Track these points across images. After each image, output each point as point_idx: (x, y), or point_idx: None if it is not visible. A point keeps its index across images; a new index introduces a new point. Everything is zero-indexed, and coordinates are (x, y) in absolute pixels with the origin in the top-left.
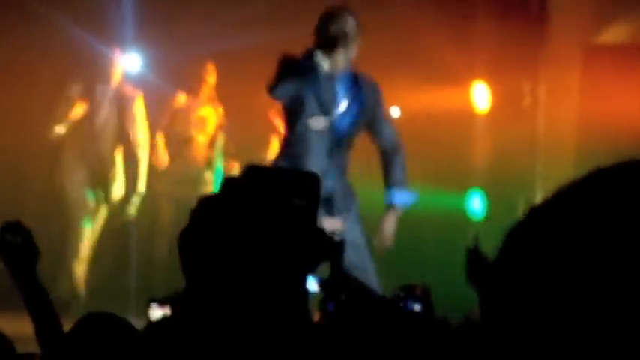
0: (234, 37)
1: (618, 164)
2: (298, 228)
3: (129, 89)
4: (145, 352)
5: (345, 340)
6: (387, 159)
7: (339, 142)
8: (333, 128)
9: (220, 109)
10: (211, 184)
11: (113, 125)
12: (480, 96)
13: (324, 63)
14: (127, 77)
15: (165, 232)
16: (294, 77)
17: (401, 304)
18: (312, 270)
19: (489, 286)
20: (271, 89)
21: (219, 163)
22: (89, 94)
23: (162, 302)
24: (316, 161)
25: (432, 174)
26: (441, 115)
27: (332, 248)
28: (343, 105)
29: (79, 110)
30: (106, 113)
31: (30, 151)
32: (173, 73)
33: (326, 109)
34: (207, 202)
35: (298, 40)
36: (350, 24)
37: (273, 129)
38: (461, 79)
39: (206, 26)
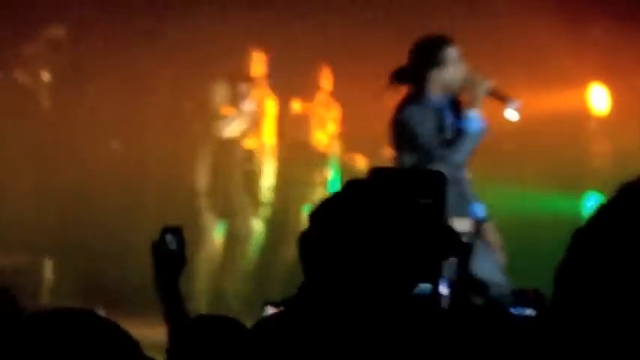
0: (352, 40)
1: None
2: (425, 226)
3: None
4: (256, 346)
5: (459, 342)
6: None
7: None
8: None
9: (337, 113)
10: (330, 187)
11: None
12: (598, 98)
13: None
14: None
15: (290, 236)
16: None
17: (512, 309)
18: (439, 268)
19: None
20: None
21: (337, 167)
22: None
23: (277, 305)
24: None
25: (550, 177)
26: (558, 117)
27: (459, 247)
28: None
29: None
30: (243, 118)
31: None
32: (290, 77)
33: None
34: (329, 203)
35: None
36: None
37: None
38: (578, 81)
39: (323, 29)
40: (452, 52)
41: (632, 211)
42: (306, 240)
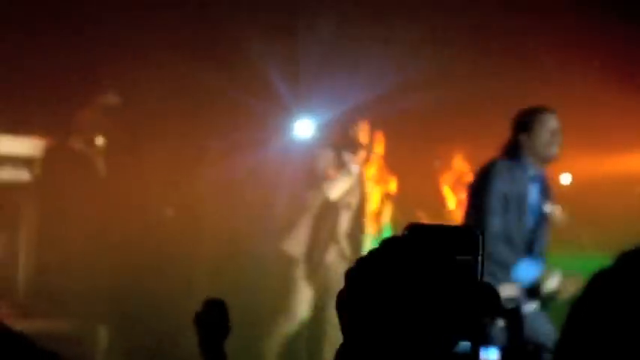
0: (400, 101)
1: None
2: (462, 282)
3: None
4: None
5: None
6: None
7: None
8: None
9: (390, 178)
10: None
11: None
12: None
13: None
14: (297, 143)
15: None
16: None
17: None
18: (478, 326)
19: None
20: None
21: (389, 232)
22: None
23: None
24: None
25: (606, 242)
26: (613, 181)
27: (498, 306)
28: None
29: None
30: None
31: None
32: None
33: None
34: (364, 261)
35: (463, 100)
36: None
37: (442, 194)
38: (632, 144)
39: (372, 91)
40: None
41: (631, 278)
42: (341, 300)
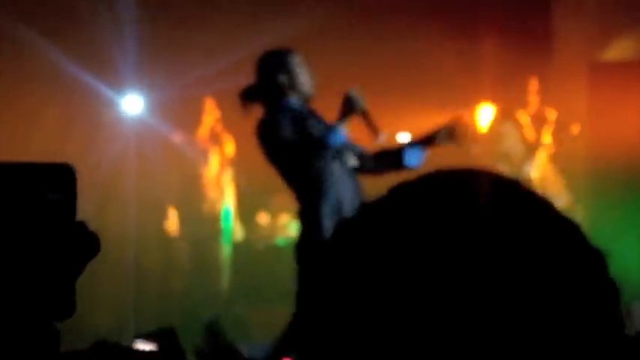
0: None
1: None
2: (56, 224)
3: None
4: None
5: None
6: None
7: None
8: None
9: (228, 145)
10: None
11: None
12: (485, 117)
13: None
14: (128, 119)
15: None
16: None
17: None
18: (76, 272)
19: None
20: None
21: (230, 197)
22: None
23: (147, 338)
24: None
25: None
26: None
27: (94, 244)
28: None
29: None
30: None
31: None
32: (174, 113)
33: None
34: None
35: None
36: None
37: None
38: (469, 101)
39: (207, 66)
40: (297, 59)
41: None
42: None
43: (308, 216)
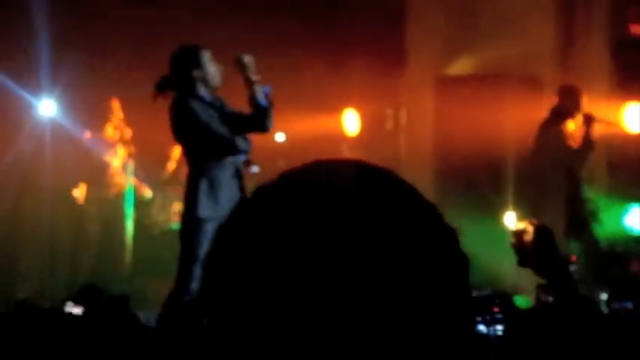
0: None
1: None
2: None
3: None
4: None
5: None
6: None
7: None
8: None
9: (129, 140)
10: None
11: None
12: (350, 121)
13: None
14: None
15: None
16: None
17: None
18: None
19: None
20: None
21: (131, 185)
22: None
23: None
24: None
25: None
26: (318, 138)
27: None
28: None
29: None
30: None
31: None
32: (85, 114)
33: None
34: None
35: None
36: None
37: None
38: (336, 106)
39: (113, 71)
40: (208, 55)
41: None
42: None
43: (189, 191)
